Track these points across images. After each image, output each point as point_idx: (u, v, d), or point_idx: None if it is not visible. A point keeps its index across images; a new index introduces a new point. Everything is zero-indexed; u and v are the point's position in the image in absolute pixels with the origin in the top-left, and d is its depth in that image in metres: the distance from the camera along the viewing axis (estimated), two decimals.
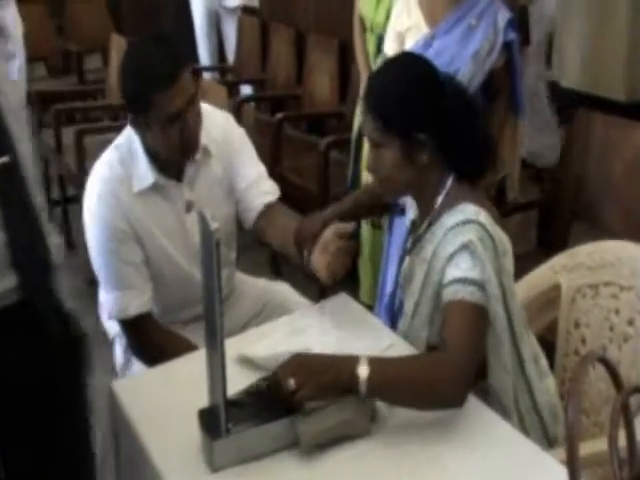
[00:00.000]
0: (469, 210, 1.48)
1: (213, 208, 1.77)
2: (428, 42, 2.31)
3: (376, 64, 2.90)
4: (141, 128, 1.74)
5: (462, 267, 1.44)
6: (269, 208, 1.94)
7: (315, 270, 1.62)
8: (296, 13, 4.44)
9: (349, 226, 1.65)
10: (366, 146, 2.94)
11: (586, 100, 4.48)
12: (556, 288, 1.81)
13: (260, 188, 1.95)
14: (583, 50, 4.70)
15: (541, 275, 1.86)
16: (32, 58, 5.35)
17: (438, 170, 1.55)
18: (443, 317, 1.47)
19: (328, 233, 1.62)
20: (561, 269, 1.82)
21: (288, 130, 3.85)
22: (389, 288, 2.13)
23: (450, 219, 1.50)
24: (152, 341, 1.84)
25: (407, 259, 1.65)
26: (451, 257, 1.47)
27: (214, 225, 1.21)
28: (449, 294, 1.44)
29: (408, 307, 1.61)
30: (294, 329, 1.65)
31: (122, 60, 1.74)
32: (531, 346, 1.60)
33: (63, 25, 5.64)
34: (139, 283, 1.82)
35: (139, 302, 1.82)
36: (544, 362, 1.64)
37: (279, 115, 3.71)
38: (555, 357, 1.76)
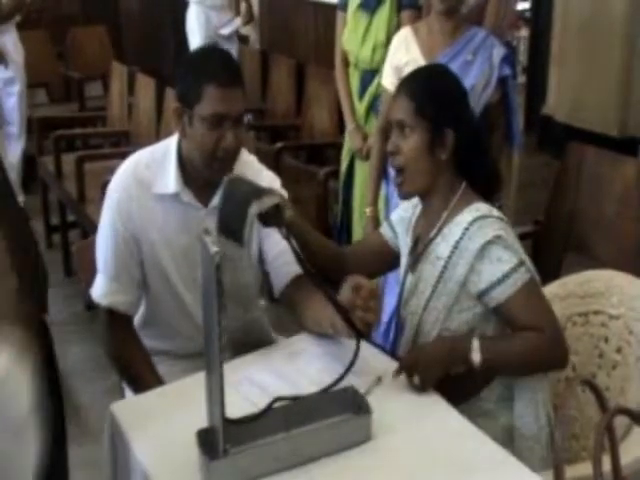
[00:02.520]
0: (483, 207, 1.60)
1: (231, 251, 1.66)
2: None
3: (361, 101, 2.93)
4: (183, 125, 1.70)
5: (501, 261, 1.54)
6: (298, 280, 1.77)
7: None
8: (296, 44, 4.53)
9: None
10: (358, 181, 3.00)
11: (579, 135, 4.57)
12: None
13: (290, 256, 1.70)
14: (576, 86, 4.79)
15: None
16: (33, 84, 5.44)
17: (452, 173, 1.65)
18: (510, 314, 1.56)
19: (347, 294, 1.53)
20: (553, 298, 1.86)
21: (287, 160, 3.90)
22: (387, 317, 2.17)
23: (466, 216, 1.59)
24: (116, 343, 1.82)
25: (409, 277, 1.70)
26: (482, 250, 1.55)
27: (214, 248, 1.24)
28: (502, 293, 1.55)
29: (415, 311, 1.67)
30: (291, 352, 1.68)
31: (184, 57, 1.81)
32: None
33: (65, 52, 5.70)
34: (124, 282, 1.79)
35: (117, 298, 1.79)
36: None
37: (278, 145, 3.77)
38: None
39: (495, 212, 1.60)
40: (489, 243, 1.54)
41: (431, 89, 1.65)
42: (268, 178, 1.85)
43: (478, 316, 1.60)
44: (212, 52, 1.79)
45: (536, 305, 1.57)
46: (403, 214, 1.79)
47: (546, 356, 1.55)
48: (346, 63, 3.04)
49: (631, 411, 1.04)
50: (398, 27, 2.81)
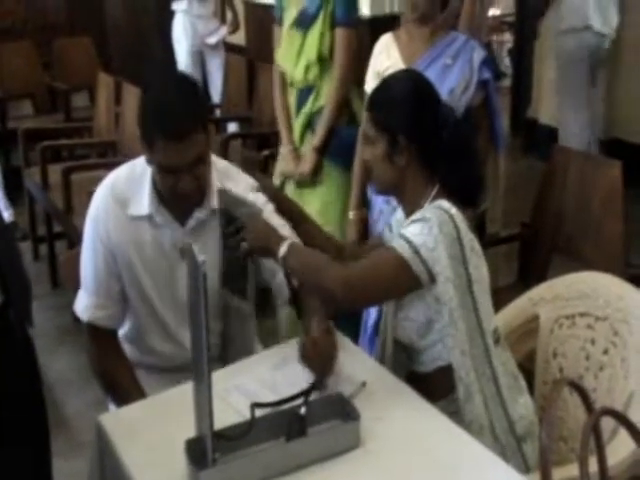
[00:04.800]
0: (444, 203, 1.61)
1: (212, 269, 1.64)
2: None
3: (298, 118, 2.90)
4: (146, 160, 1.69)
5: (409, 230, 1.59)
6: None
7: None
8: None
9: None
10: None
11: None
12: (535, 319, 1.86)
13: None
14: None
15: (520, 306, 1.91)
16: (19, 95, 5.43)
17: (420, 179, 1.67)
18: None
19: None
20: (539, 300, 1.87)
21: (274, 167, 3.90)
22: (372, 320, 2.18)
23: (424, 208, 1.63)
24: (98, 357, 1.82)
25: None
26: (407, 224, 1.61)
27: (201, 257, 1.25)
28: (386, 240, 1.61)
29: (389, 310, 1.71)
30: (279, 361, 1.68)
31: (147, 88, 1.71)
32: (507, 361, 1.66)
33: (50, 62, 5.67)
34: (103, 297, 1.79)
35: (97, 314, 1.79)
36: (523, 382, 1.68)
37: (265, 152, 3.76)
38: (534, 386, 1.80)
39: (453, 210, 1.59)
40: (416, 219, 1.60)
41: (381, 99, 1.69)
42: (244, 183, 1.83)
43: (432, 306, 1.61)
44: (164, 102, 1.63)
45: (375, 264, 1.60)
46: (399, 216, 1.81)
47: (326, 277, 1.56)
48: (284, 81, 2.96)
49: (617, 412, 1.05)
50: (332, 45, 2.79)
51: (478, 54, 2.38)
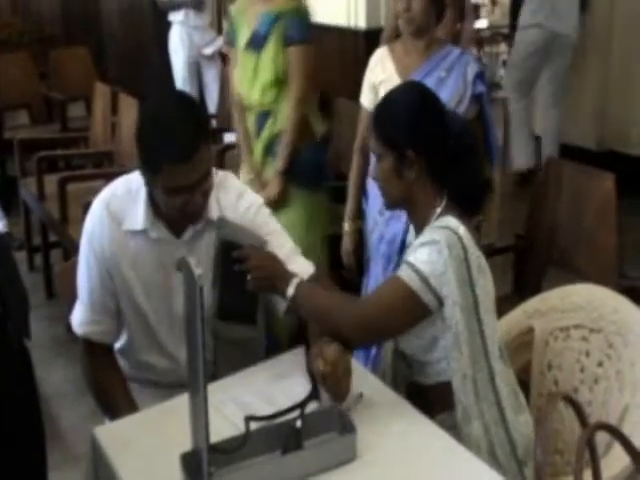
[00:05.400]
0: (451, 222, 1.61)
1: (207, 280, 1.59)
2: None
3: (257, 144, 2.88)
4: (147, 183, 1.67)
5: (417, 257, 1.58)
6: None
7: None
8: None
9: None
10: None
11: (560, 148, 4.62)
12: (529, 331, 1.87)
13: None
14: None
15: (515, 319, 1.91)
16: (15, 105, 5.43)
17: (429, 191, 1.67)
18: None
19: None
20: (534, 313, 1.88)
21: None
22: None
23: (432, 225, 1.63)
24: (92, 371, 1.82)
25: None
26: (415, 247, 1.61)
27: (198, 271, 1.25)
28: (399, 270, 1.60)
29: None
30: (276, 374, 1.68)
31: (144, 111, 1.69)
32: (509, 378, 1.65)
33: (47, 73, 5.68)
34: (98, 312, 1.78)
35: (91, 329, 1.79)
36: (522, 399, 1.69)
37: None
38: (529, 398, 1.80)
39: (461, 230, 1.59)
40: (425, 242, 1.59)
41: (386, 115, 1.69)
42: (247, 202, 1.80)
43: (438, 324, 1.61)
44: (164, 124, 1.60)
45: (385, 296, 1.60)
46: (412, 231, 1.82)
47: (338, 320, 1.58)
48: (242, 106, 2.93)
49: (611, 427, 1.05)
50: (285, 65, 2.78)
51: (472, 68, 2.41)
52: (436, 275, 1.56)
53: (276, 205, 2.71)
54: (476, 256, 1.60)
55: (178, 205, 1.63)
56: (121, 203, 1.75)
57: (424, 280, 1.56)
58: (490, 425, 1.59)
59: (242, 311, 1.64)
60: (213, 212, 1.74)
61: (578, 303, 1.80)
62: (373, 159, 1.76)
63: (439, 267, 1.56)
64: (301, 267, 1.76)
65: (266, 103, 2.84)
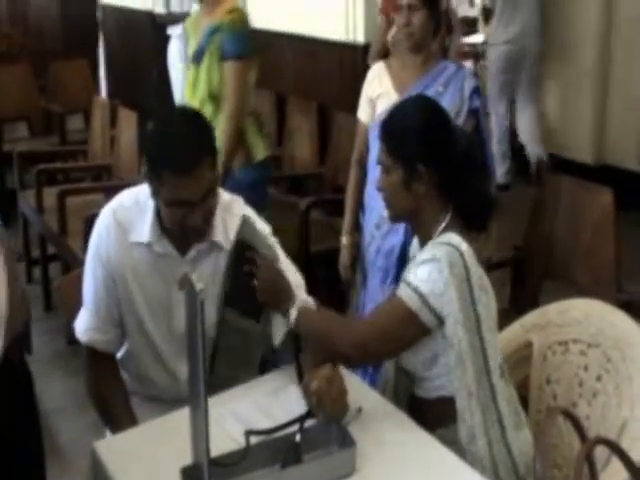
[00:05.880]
0: (454, 238, 1.61)
1: (209, 302, 1.61)
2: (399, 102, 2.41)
3: None
4: (152, 194, 1.67)
5: (417, 275, 1.58)
6: None
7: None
8: (276, 77, 4.57)
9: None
10: None
11: (555, 162, 4.65)
12: (528, 346, 1.87)
13: None
14: (552, 114, 4.88)
15: (513, 333, 1.92)
16: (14, 118, 5.44)
17: (436, 205, 1.67)
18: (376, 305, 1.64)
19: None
20: (532, 327, 1.88)
21: (269, 191, 3.92)
22: None
23: (434, 240, 1.63)
24: (94, 380, 1.82)
25: None
26: (416, 264, 1.61)
27: (199, 286, 1.26)
28: (398, 289, 1.61)
29: None
30: (275, 388, 1.68)
31: (151, 125, 1.70)
32: (510, 396, 1.66)
33: (46, 86, 5.71)
34: (103, 319, 1.78)
35: (96, 337, 1.79)
36: (523, 416, 1.69)
37: None
38: (528, 413, 1.81)
39: (464, 246, 1.59)
40: (426, 260, 1.59)
41: (394, 129, 1.69)
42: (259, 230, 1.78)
43: (439, 341, 1.61)
44: (170, 134, 1.63)
45: (384, 316, 1.62)
46: (415, 244, 1.83)
47: (338, 341, 1.60)
48: None
49: (610, 442, 1.06)
50: (220, 80, 2.75)
51: (469, 83, 2.43)
52: (436, 294, 1.56)
53: None
54: (478, 275, 1.60)
55: (178, 219, 1.64)
56: (128, 213, 1.75)
57: (423, 300, 1.56)
58: (493, 443, 1.59)
59: (246, 304, 1.67)
60: (218, 235, 1.74)
61: (576, 317, 1.80)
62: (377, 171, 1.76)
63: (439, 286, 1.56)
64: (302, 303, 1.73)
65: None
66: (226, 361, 1.77)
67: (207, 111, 2.78)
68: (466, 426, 1.58)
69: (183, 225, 1.65)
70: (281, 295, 1.65)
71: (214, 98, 2.80)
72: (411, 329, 1.59)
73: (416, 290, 1.57)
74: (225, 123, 2.76)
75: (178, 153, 1.59)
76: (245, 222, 1.73)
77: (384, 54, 3.16)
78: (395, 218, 1.77)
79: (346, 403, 1.55)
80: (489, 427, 1.59)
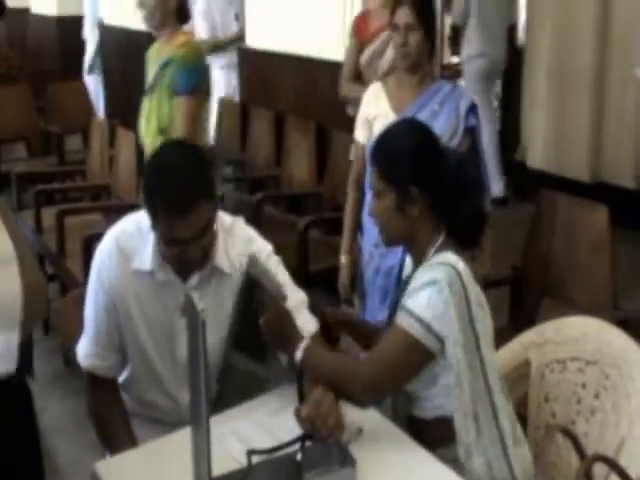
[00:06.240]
0: (450, 257, 1.62)
1: (213, 327, 1.56)
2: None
3: None
4: (151, 227, 1.67)
5: (417, 302, 1.59)
6: None
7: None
8: (275, 96, 4.61)
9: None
10: None
11: (553, 180, 4.67)
12: (526, 364, 1.88)
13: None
14: (548, 133, 4.91)
15: (512, 351, 1.93)
16: (13, 139, 5.47)
17: (430, 226, 1.68)
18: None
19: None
20: (530, 345, 1.90)
21: (267, 210, 3.95)
22: None
23: (431, 261, 1.63)
24: (95, 404, 1.83)
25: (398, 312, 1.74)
26: (415, 289, 1.61)
27: (201, 305, 1.27)
28: (397, 317, 1.61)
29: None
30: (276, 407, 1.69)
31: (148, 162, 1.70)
32: (508, 412, 1.66)
33: (45, 106, 5.73)
34: (103, 346, 1.79)
35: (96, 362, 1.80)
36: (520, 432, 1.69)
37: (259, 195, 3.82)
38: (527, 431, 1.81)
39: (460, 265, 1.60)
40: (426, 283, 1.59)
41: (386, 152, 1.70)
42: (256, 250, 1.78)
43: (438, 361, 1.62)
44: (166, 173, 1.62)
45: (389, 349, 1.60)
46: (408, 262, 1.83)
47: (348, 385, 1.59)
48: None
49: (608, 459, 1.07)
50: (170, 114, 2.71)
51: (464, 101, 2.46)
52: (437, 317, 1.56)
53: None
54: (475, 293, 1.61)
55: (174, 255, 1.66)
56: (131, 240, 1.76)
57: (426, 326, 1.57)
58: (493, 462, 1.59)
59: (252, 345, 1.66)
60: (219, 258, 1.74)
61: (574, 335, 1.81)
62: (369, 196, 1.77)
63: (440, 308, 1.56)
64: (305, 322, 1.74)
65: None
66: (231, 401, 1.76)
67: (157, 144, 2.70)
68: (463, 444, 1.59)
69: (178, 260, 1.66)
70: (287, 336, 1.65)
71: (164, 132, 2.76)
72: (417, 357, 1.59)
73: (418, 318, 1.57)
74: None
75: (174, 194, 1.58)
76: (253, 260, 1.70)
77: (356, 76, 3.19)
78: (389, 242, 1.77)
79: (339, 420, 1.54)
80: (488, 446, 1.60)
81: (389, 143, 1.72)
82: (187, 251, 1.63)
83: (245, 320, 1.67)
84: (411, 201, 1.66)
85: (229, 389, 1.80)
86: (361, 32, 3.17)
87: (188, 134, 2.71)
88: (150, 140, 2.80)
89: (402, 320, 1.60)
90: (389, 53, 2.98)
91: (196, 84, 2.77)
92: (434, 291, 1.57)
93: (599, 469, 1.35)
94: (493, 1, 5.21)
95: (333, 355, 1.70)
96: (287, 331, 1.66)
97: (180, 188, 1.59)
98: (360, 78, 3.18)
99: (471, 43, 5.24)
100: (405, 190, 1.65)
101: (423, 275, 1.62)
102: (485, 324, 1.63)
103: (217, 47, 4.94)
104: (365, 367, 1.62)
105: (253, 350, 1.70)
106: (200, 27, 4.94)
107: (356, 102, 3.14)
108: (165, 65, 2.77)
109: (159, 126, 2.77)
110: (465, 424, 1.59)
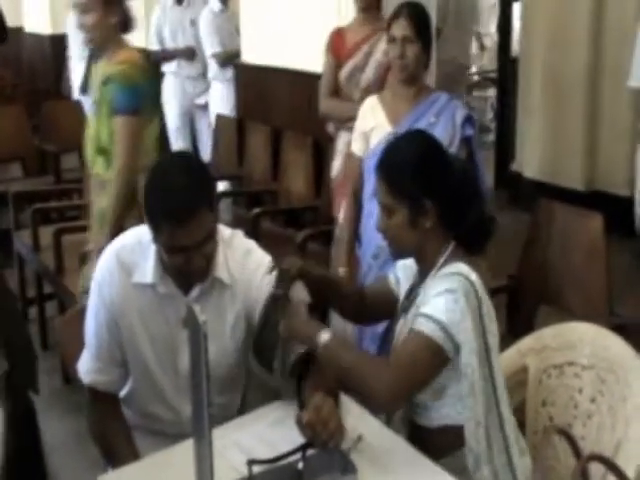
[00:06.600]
0: (463, 268, 1.62)
1: (215, 338, 1.62)
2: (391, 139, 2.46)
3: (96, 215, 2.79)
4: (152, 239, 1.68)
5: (435, 307, 1.58)
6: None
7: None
8: (271, 111, 4.63)
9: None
10: None
11: (549, 189, 4.70)
12: (524, 370, 1.90)
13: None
14: (543, 142, 4.94)
15: (510, 358, 1.94)
16: (9, 158, 5.46)
17: (440, 237, 1.68)
18: (398, 342, 1.64)
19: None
20: (528, 351, 1.91)
21: (265, 224, 3.95)
22: None
23: (443, 271, 1.63)
24: (96, 419, 1.83)
25: (401, 319, 1.76)
26: (431, 297, 1.60)
27: (202, 317, 1.28)
28: (415, 324, 1.60)
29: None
30: (277, 418, 1.70)
31: (149, 173, 1.71)
32: (513, 423, 1.68)
33: (40, 125, 5.73)
34: (105, 361, 1.80)
35: (97, 378, 1.81)
36: (523, 442, 1.71)
37: (256, 210, 3.82)
38: (525, 436, 1.82)
39: (473, 276, 1.61)
40: (442, 292, 1.59)
41: (393, 167, 1.67)
42: (255, 262, 1.80)
43: (448, 372, 1.62)
44: (166, 184, 1.63)
45: (412, 353, 1.58)
46: (407, 262, 1.84)
47: (370, 383, 1.55)
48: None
49: (604, 458, 1.08)
50: (110, 134, 2.63)
51: (460, 112, 2.49)
52: (455, 324, 1.56)
53: None
54: (487, 305, 1.62)
55: (178, 264, 1.66)
56: (131, 254, 1.76)
57: (444, 329, 1.56)
58: (499, 471, 1.60)
59: (266, 355, 1.67)
60: (220, 271, 1.75)
61: (571, 341, 1.83)
62: (374, 206, 1.75)
63: (457, 315, 1.56)
64: (298, 291, 1.75)
65: (99, 172, 2.72)
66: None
67: (98, 166, 2.70)
68: (473, 454, 1.60)
69: (184, 269, 1.67)
70: (305, 328, 1.63)
71: (103, 152, 2.69)
72: (437, 361, 1.59)
73: (436, 321, 1.57)
74: (115, 181, 2.62)
75: (174, 204, 1.59)
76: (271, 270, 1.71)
77: (334, 92, 3.15)
78: (399, 255, 1.75)
79: (340, 425, 1.54)
80: (495, 455, 1.61)
81: (394, 158, 1.69)
82: (191, 260, 1.64)
83: (266, 325, 1.67)
84: (424, 214, 1.65)
85: (250, 398, 1.81)
86: (337, 48, 3.13)
87: (129, 155, 2.62)
88: (91, 161, 2.73)
89: (421, 326, 1.58)
90: (370, 67, 3.01)
91: (137, 103, 2.65)
92: (450, 299, 1.57)
93: (596, 470, 1.37)
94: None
95: (358, 351, 1.69)
96: (304, 324, 1.64)
97: (181, 198, 1.60)
98: (338, 94, 3.14)
99: (445, 44, 5.24)
100: (418, 204, 1.64)
101: (437, 285, 1.62)
102: (495, 336, 1.64)
103: (228, 57, 5.02)
104: (388, 368, 1.58)
105: (263, 360, 1.69)
106: (210, 43, 5.05)
107: (337, 119, 3.16)
108: (104, 83, 2.67)
109: (98, 145, 2.70)
110: (476, 433, 1.59)
